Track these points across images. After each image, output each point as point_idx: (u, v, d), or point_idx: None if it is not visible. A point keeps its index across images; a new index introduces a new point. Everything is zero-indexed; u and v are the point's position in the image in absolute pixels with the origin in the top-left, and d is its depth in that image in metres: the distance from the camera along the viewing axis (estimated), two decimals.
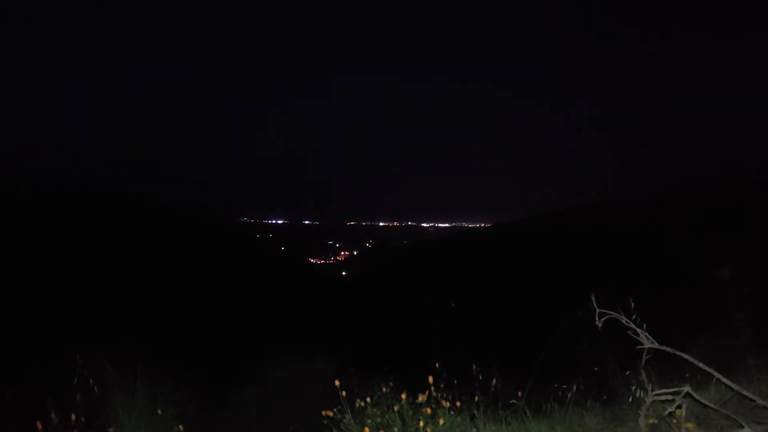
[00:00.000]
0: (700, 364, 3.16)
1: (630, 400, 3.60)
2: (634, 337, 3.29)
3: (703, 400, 3.11)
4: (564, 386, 4.00)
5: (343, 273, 78.26)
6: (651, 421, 3.18)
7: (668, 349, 3.25)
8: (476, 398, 3.77)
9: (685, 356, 3.18)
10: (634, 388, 3.50)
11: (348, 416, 3.55)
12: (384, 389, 3.74)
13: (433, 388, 3.57)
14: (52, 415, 3.41)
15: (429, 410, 3.41)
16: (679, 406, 3.05)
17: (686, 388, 3.03)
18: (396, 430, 3.46)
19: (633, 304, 3.53)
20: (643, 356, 3.30)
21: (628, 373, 4.05)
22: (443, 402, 3.51)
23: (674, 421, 3.11)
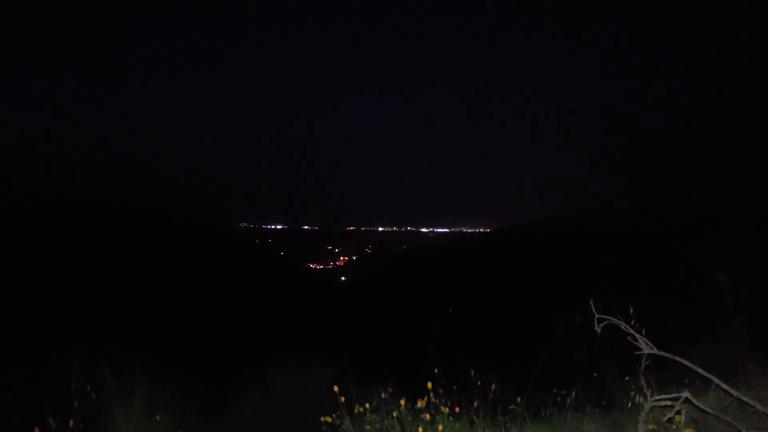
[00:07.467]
0: (700, 370, 3.16)
1: (629, 405, 3.60)
2: (633, 342, 3.29)
3: (702, 406, 3.11)
4: (563, 392, 4.00)
5: (342, 278, 78.18)
6: (650, 427, 3.17)
7: (667, 355, 3.25)
8: (475, 404, 3.76)
9: (685, 362, 3.18)
10: (633, 393, 3.50)
11: (347, 422, 3.54)
12: (383, 395, 3.73)
13: (432, 393, 3.56)
14: (50, 421, 3.40)
15: (428, 416, 3.40)
16: (678, 412, 3.05)
17: (685, 394, 3.02)
18: None
19: (632, 310, 3.53)
20: (642, 362, 3.30)
21: (627, 378, 4.05)
22: (442, 408, 3.50)
23: (674, 427, 3.11)
